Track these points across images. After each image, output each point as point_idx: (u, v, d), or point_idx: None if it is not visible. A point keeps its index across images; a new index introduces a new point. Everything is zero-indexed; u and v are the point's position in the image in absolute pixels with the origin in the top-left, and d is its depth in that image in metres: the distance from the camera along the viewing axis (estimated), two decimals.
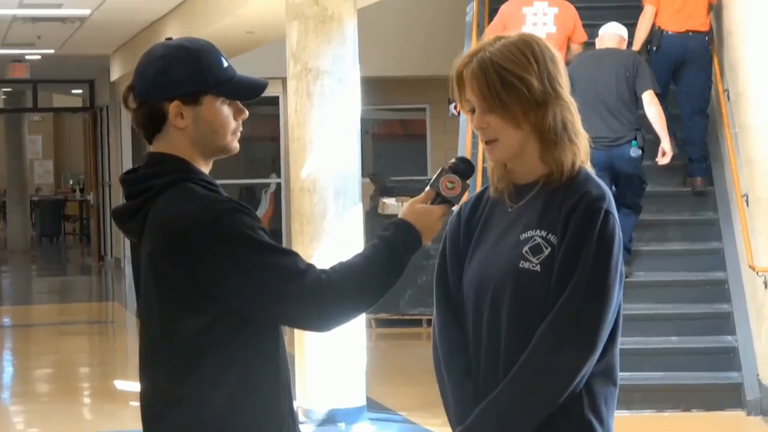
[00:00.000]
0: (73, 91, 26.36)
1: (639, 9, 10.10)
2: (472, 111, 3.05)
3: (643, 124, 9.21)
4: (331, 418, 8.49)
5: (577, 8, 9.87)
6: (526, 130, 3.01)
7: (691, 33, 9.79)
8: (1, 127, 26.97)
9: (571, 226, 2.96)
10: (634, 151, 9.04)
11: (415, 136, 18.05)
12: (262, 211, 17.65)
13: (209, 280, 2.86)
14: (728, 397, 8.82)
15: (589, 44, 9.89)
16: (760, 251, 8.69)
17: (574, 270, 2.93)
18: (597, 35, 9.66)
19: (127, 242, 3.15)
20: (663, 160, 9.26)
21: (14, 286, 20.83)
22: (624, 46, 9.47)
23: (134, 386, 7.27)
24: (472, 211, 3.17)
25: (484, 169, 7.58)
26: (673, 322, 9.26)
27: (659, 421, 8.71)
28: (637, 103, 9.17)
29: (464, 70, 3.03)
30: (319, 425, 8.46)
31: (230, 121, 3.01)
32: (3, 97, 26.68)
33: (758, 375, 8.72)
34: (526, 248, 3.00)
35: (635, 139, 9.04)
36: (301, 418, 8.18)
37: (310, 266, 2.90)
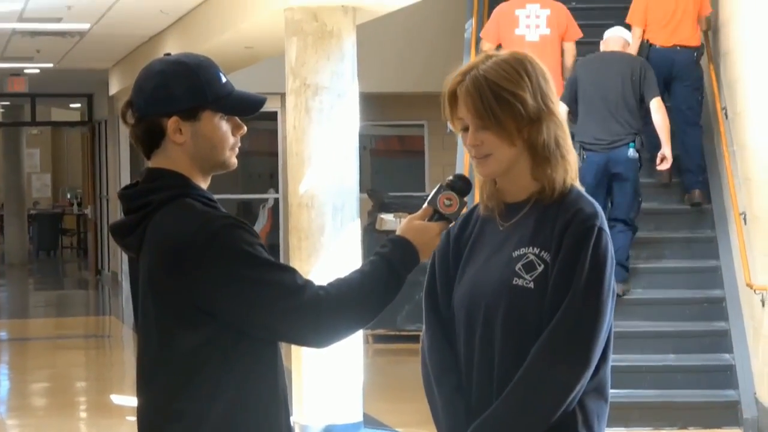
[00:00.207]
0: (72, 105, 26.38)
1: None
2: (465, 129, 3.06)
3: (643, 129, 9.30)
4: None
5: (575, 9, 9.97)
6: (520, 146, 3.02)
7: (678, 47, 9.85)
8: None
9: (565, 244, 2.97)
10: (632, 153, 9.09)
11: (413, 152, 18.06)
12: (260, 226, 17.63)
13: (207, 296, 2.86)
14: (725, 416, 8.81)
15: (585, 43, 9.96)
16: (758, 269, 8.69)
17: (568, 287, 2.95)
18: (592, 34, 9.80)
19: (125, 256, 3.15)
20: (662, 165, 9.30)
21: (11, 299, 20.81)
22: (628, 50, 9.54)
23: (131, 401, 7.27)
24: (461, 229, 3.18)
25: None
26: (670, 339, 9.25)
27: None
28: (641, 108, 9.23)
29: (458, 88, 3.04)
30: None
31: (229, 136, 3.01)
32: (1, 110, 26.69)
33: (755, 393, 8.71)
34: (519, 265, 3.01)
35: (633, 141, 9.11)
36: None
37: (308, 282, 2.91)
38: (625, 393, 8.54)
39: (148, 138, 2.99)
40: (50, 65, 17.76)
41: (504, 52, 3.08)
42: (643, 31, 9.95)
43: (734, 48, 9.45)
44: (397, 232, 3.05)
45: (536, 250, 3.01)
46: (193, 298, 2.87)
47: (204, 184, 3.03)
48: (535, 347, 2.95)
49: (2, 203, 27.02)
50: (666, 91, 9.85)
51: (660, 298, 9.52)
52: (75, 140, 31.22)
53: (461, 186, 3.09)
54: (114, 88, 18.77)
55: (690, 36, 9.87)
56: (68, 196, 31.57)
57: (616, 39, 9.54)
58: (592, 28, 10.26)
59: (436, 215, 3.06)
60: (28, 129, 27.66)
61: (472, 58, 10.30)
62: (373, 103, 13.59)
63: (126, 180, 19.40)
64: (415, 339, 12.85)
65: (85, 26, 13.72)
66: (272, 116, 16.84)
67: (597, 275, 2.95)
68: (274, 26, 9.43)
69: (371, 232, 12.73)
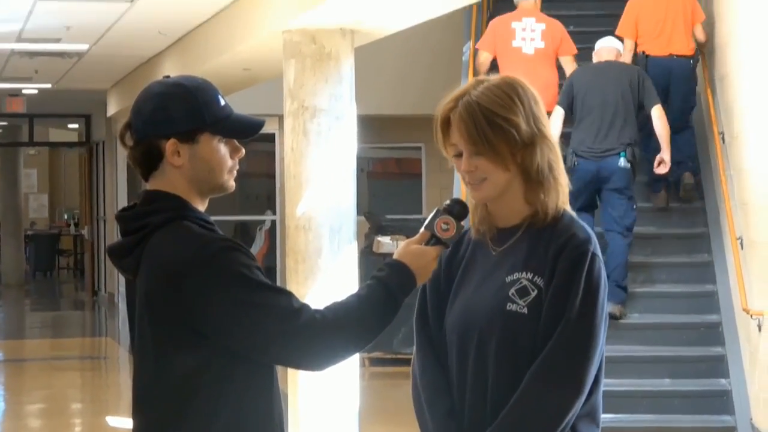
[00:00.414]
0: (70, 126, 26.37)
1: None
2: (458, 155, 3.07)
3: (640, 138, 9.35)
4: None
5: (568, 17, 10.06)
6: (513, 171, 3.03)
7: (675, 57, 9.94)
8: None
9: (559, 269, 2.99)
10: (623, 162, 9.13)
11: (411, 175, 18.06)
12: (257, 248, 17.62)
13: (204, 319, 2.86)
14: None
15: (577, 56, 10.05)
16: (755, 294, 8.68)
17: (562, 312, 2.96)
18: (585, 42, 9.92)
19: (121, 278, 3.15)
20: (660, 169, 9.34)
21: (7, 320, 20.78)
22: (620, 59, 9.60)
23: (127, 423, 7.24)
24: (453, 253, 3.18)
25: None
26: (666, 364, 9.24)
27: None
28: (640, 116, 9.29)
29: (450, 115, 3.05)
30: None
31: (227, 159, 3.02)
32: None
33: (752, 419, 8.69)
34: (512, 290, 3.02)
35: (624, 151, 9.15)
36: None
37: (305, 306, 2.90)
38: (622, 418, 8.53)
39: (146, 160, 2.99)
40: (48, 86, 17.77)
41: (495, 77, 3.09)
42: (635, 44, 10.04)
43: (731, 72, 9.47)
44: (394, 256, 3.05)
45: (530, 275, 3.02)
46: (190, 321, 2.87)
47: (202, 207, 3.03)
48: (530, 371, 2.96)
49: None
50: (665, 100, 9.94)
51: (656, 322, 9.51)
52: (72, 161, 31.22)
53: (459, 210, 3.09)
54: (112, 109, 18.77)
55: (684, 46, 10.01)
56: (65, 216, 31.56)
57: (609, 49, 9.61)
58: (581, 35, 10.41)
59: (433, 239, 3.06)
60: (26, 149, 27.67)
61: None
62: (370, 126, 13.60)
63: (123, 201, 19.39)
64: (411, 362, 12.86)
65: (84, 47, 13.74)
66: (270, 138, 16.84)
67: (591, 300, 2.97)
68: (273, 48, 9.44)
69: (368, 255, 12.72)
